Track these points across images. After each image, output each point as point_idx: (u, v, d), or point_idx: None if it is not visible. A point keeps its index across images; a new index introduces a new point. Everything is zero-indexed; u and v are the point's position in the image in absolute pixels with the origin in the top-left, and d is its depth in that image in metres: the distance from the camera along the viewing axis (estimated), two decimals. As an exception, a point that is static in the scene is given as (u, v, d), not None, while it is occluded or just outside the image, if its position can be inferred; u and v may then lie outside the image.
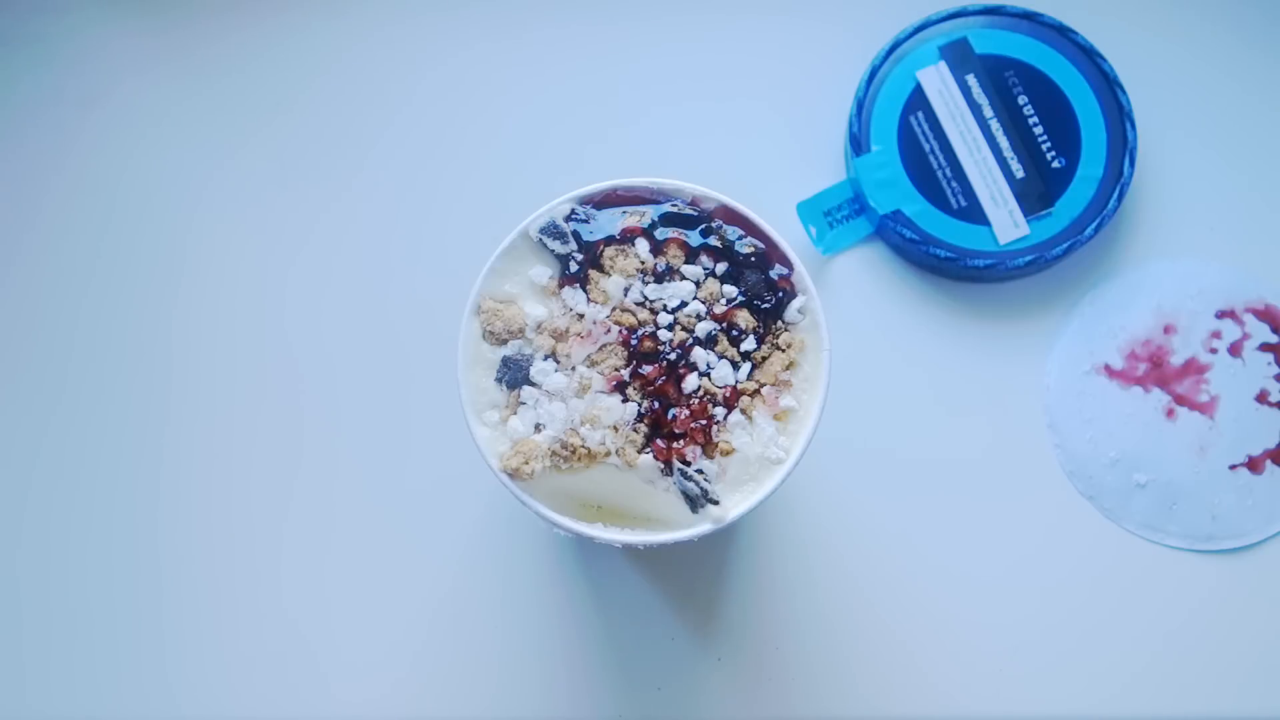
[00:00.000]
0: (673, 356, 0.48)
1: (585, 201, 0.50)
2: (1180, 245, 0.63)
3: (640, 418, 0.48)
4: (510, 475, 0.47)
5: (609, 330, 0.48)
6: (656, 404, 0.48)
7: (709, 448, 0.48)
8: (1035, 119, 0.62)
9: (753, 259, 0.49)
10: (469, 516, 0.60)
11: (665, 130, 0.64)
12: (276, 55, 0.66)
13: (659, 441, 0.47)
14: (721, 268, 0.49)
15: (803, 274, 0.49)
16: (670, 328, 0.48)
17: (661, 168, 0.54)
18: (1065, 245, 0.61)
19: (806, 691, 0.59)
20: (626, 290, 0.49)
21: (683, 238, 0.49)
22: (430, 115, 0.65)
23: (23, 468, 0.62)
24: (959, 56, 0.63)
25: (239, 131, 0.65)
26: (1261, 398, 0.61)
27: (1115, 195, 0.61)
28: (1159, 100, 0.64)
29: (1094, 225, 0.61)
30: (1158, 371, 0.62)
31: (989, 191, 0.62)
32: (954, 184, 0.62)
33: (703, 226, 0.49)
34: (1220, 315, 0.62)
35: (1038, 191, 0.62)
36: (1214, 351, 0.62)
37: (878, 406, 0.61)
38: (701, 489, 0.47)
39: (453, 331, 0.48)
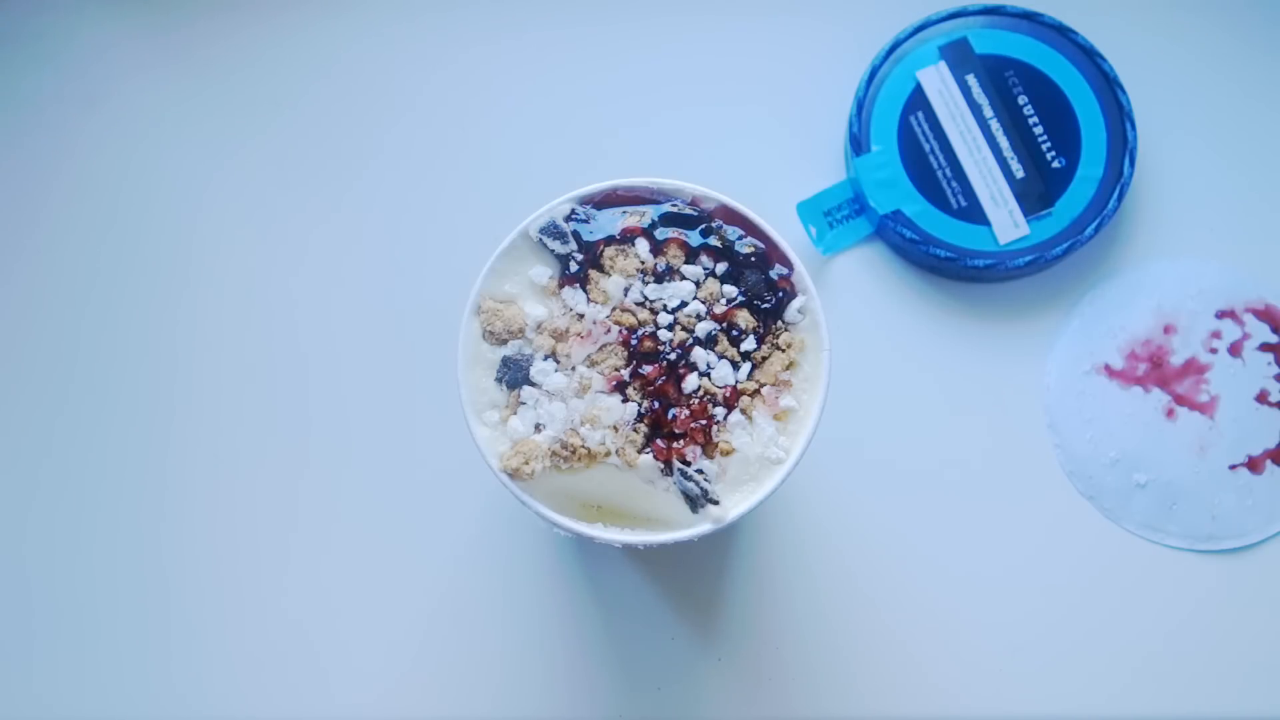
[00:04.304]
0: (673, 356, 0.48)
1: (585, 201, 0.50)
2: (1180, 245, 0.63)
3: (640, 418, 0.48)
4: (510, 475, 0.47)
5: (609, 330, 0.48)
6: (656, 404, 0.48)
7: (709, 448, 0.48)
8: (1035, 119, 0.62)
9: (753, 259, 0.49)
10: (469, 516, 0.60)
11: (665, 130, 0.64)
12: (278, 55, 0.66)
13: (659, 441, 0.47)
14: (721, 268, 0.49)
15: (803, 274, 0.49)
16: (670, 328, 0.48)
17: (661, 168, 0.54)
18: (1065, 245, 0.61)
19: (806, 691, 0.59)
20: (626, 290, 0.49)
21: (683, 238, 0.49)
22: (430, 116, 0.65)
23: (26, 469, 0.62)
24: (959, 56, 0.63)
25: (240, 132, 0.65)
26: (1261, 398, 0.61)
27: (1115, 195, 0.61)
28: (1159, 100, 0.64)
29: (1094, 225, 0.61)
30: (1158, 371, 0.62)
31: (989, 191, 0.62)
32: (954, 184, 0.62)
33: (703, 226, 0.49)
34: (1220, 315, 0.62)
35: (1038, 191, 0.62)
36: (1214, 351, 0.62)
37: (878, 406, 0.61)
38: (701, 489, 0.47)
39: (453, 331, 0.48)
